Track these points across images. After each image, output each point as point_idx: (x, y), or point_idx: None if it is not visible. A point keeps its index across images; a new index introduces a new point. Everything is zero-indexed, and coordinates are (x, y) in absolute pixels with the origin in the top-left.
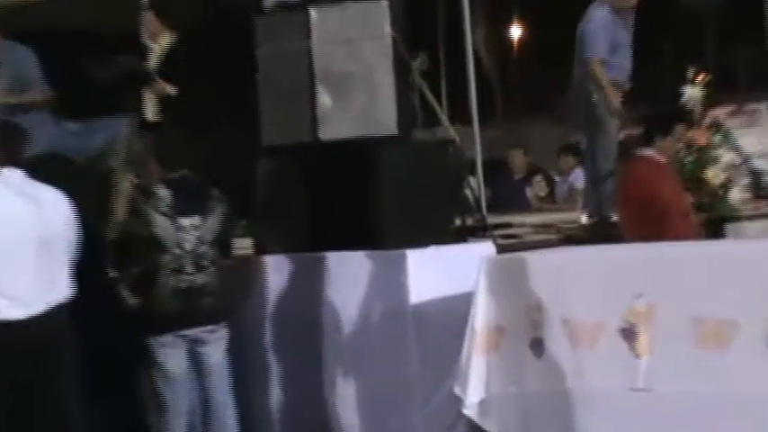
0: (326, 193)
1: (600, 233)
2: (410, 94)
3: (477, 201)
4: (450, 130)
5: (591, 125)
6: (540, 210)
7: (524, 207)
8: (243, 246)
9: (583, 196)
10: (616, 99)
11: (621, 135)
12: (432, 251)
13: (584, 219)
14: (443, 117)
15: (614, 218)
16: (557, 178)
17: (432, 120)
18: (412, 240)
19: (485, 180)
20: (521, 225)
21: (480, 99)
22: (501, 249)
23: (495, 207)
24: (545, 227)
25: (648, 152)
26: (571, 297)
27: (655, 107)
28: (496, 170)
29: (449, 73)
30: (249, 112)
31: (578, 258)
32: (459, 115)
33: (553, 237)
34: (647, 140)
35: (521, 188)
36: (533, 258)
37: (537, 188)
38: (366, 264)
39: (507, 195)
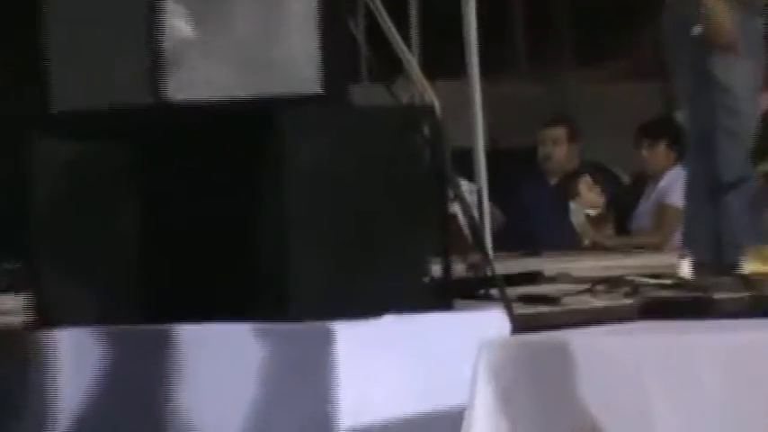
0: (179, 205)
1: (716, 295)
2: (347, 25)
3: (476, 228)
4: (421, 87)
5: (702, 89)
6: (592, 246)
7: (566, 239)
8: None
9: (682, 221)
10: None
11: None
12: (387, 325)
13: (684, 266)
14: (410, 62)
15: (746, 265)
16: (625, 181)
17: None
18: (346, 302)
19: (493, 188)
20: (559, 277)
21: (484, 28)
22: (522, 325)
23: (511, 240)
24: (605, 281)
25: None
26: (658, 416)
27: None
28: (514, 167)
29: None
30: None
31: (673, 345)
32: (448, 65)
33: (622, 303)
34: None
35: (560, 203)
36: (584, 343)
37: (583, 201)
38: (254, 348)
39: (535, 218)
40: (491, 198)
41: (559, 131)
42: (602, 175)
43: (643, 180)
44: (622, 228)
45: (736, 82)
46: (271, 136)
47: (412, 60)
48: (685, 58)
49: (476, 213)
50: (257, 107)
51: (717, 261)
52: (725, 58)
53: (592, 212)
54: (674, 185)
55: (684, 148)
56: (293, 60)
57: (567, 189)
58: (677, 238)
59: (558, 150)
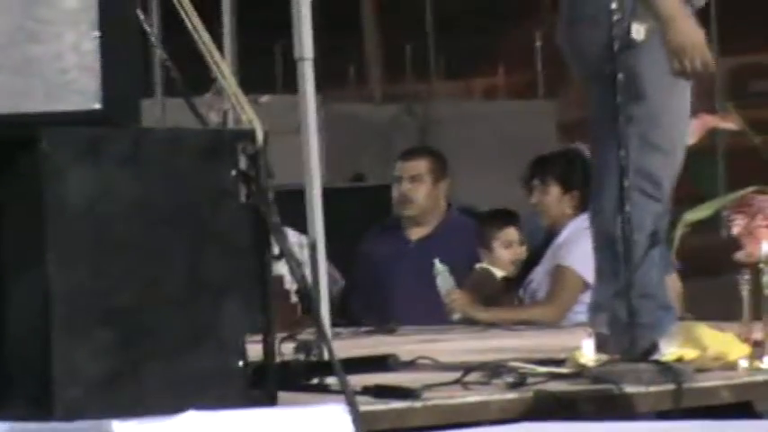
0: None
1: (627, 388)
2: (138, 23)
3: (308, 295)
4: (237, 104)
5: (622, 107)
6: (465, 321)
7: (430, 311)
8: None
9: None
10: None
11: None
12: (186, 424)
13: (587, 348)
14: (221, 69)
15: (668, 348)
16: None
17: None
18: (131, 394)
19: (333, 241)
20: (420, 362)
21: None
22: (368, 427)
23: (356, 312)
24: (481, 368)
25: None
26: None
27: None
28: (358, 212)
29: None
30: None
31: None
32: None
33: (503, 397)
34: None
35: (422, 263)
36: None
37: (496, 259)
38: None
39: (388, 282)
40: (330, 255)
41: (421, 165)
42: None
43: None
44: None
45: (664, 99)
46: (29, 165)
47: (223, 67)
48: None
49: (308, 275)
50: (14, 126)
51: (631, 342)
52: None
53: (498, 273)
54: (575, 242)
55: (588, 191)
56: (63, 67)
57: (431, 245)
58: (579, 310)
59: (419, 190)
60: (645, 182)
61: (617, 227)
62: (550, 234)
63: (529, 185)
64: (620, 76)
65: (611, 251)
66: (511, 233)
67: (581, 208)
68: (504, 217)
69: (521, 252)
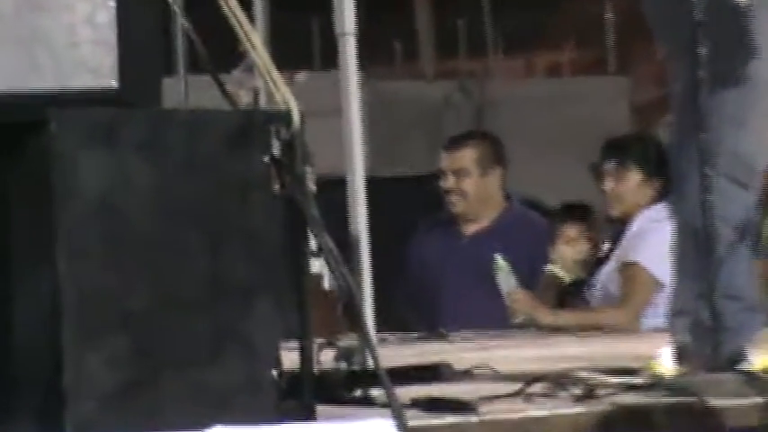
0: None
1: (712, 400)
2: None
3: (351, 296)
4: (271, 82)
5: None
6: (527, 326)
7: (489, 315)
8: None
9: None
10: None
11: None
12: None
13: (664, 356)
14: (251, 38)
15: (756, 357)
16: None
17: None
18: (150, 408)
19: (377, 236)
20: (477, 372)
21: None
22: None
23: (404, 315)
24: (545, 379)
25: None
26: None
27: None
28: (412, 206)
29: None
30: None
31: None
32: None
33: (570, 411)
34: None
35: (478, 261)
36: None
37: (562, 260)
38: None
39: (441, 283)
40: (374, 251)
41: (466, 156)
42: (589, 221)
43: (609, 225)
44: (572, 299)
45: None
46: (37, 150)
47: (254, 39)
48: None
49: (351, 274)
50: (20, 106)
51: (714, 349)
52: None
53: (565, 276)
54: (646, 236)
55: (667, 180)
56: (75, 41)
57: (487, 240)
58: (655, 314)
59: (464, 184)
60: (737, 167)
61: (701, 219)
62: (621, 227)
63: (600, 170)
64: (702, 48)
65: (695, 246)
66: (572, 229)
67: (658, 199)
68: (571, 211)
69: (586, 251)
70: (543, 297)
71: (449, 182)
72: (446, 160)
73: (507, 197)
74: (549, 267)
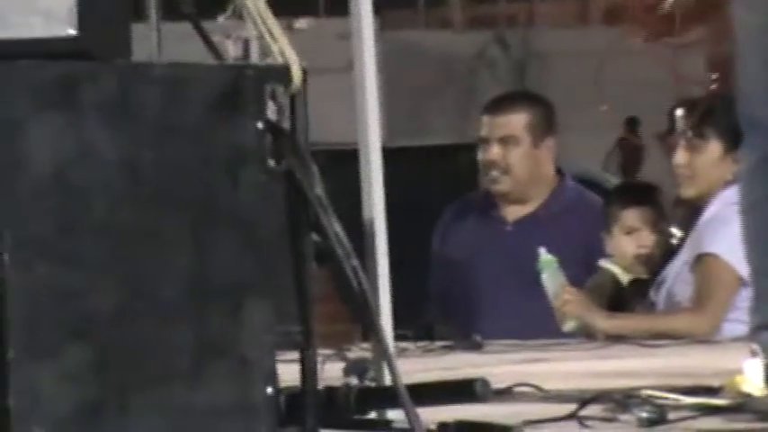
0: None
1: None
2: None
3: (364, 296)
4: (265, 31)
5: None
6: (581, 335)
7: (534, 321)
8: None
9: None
10: None
11: None
12: None
13: (753, 371)
14: None
15: None
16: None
17: None
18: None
19: (396, 222)
20: (519, 390)
21: None
22: None
23: (429, 320)
24: (603, 399)
25: None
26: None
27: None
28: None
29: None
30: None
31: None
32: None
33: None
34: None
35: (524, 257)
36: None
37: (620, 256)
38: None
39: (476, 281)
40: (393, 241)
41: (515, 121)
42: (655, 205)
43: (679, 209)
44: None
45: None
46: None
47: None
48: None
49: (364, 269)
50: None
51: None
52: None
53: (623, 276)
54: (726, 222)
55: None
56: None
57: (535, 229)
58: (739, 318)
59: (512, 155)
60: None
61: None
62: (695, 211)
63: (670, 140)
64: None
65: None
66: (632, 216)
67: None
68: (632, 193)
69: (649, 242)
70: (596, 298)
71: (492, 153)
72: (489, 126)
73: (559, 173)
74: (604, 263)
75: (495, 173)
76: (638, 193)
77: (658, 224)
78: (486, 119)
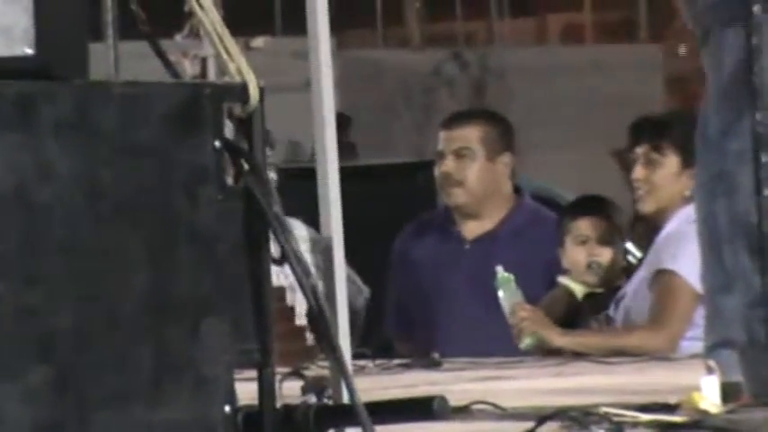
0: None
1: None
2: None
3: (322, 314)
4: (223, 49)
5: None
6: (538, 352)
7: (492, 338)
8: None
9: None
10: None
11: None
12: None
13: (708, 388)
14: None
15: None
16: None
17: None
18: None
19: (353, 240)
20: (476, 408)
21: None
22: None
23: (386, 337)
24: (561, 416)
25: None
26: None
27: None
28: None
29: None
30: None
31: None
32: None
33: None
34: None
35: (480, 273)
36: None
37: (576, 270)
38: None
39: (433, 297)
40: (350, 259)
41: (469, 134)
42: (607, 217)
43: (639, 224)
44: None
45: None
46: None
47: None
48: None
49: (321, 286)
50: None
51: None
52: None
53: (578, 290)
54: (686, 238)
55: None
56: None
57: (493, 246)
58: (697, 335)
59: (468, 169)
60: None
61: (756, 214)
62: (653, 227)
63: (628, 157)
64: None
65: (747, 248)
66: (583, 226)
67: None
68: (584, 204)
69: (601, 254)
70: (552, 314)
71: (447, 165)
72: (445, 140)
73: (517, 191)
74: (561, 279)
75: (450, 187)
76: (589, 205)
77: (610, 235)
78: (442, 134)
